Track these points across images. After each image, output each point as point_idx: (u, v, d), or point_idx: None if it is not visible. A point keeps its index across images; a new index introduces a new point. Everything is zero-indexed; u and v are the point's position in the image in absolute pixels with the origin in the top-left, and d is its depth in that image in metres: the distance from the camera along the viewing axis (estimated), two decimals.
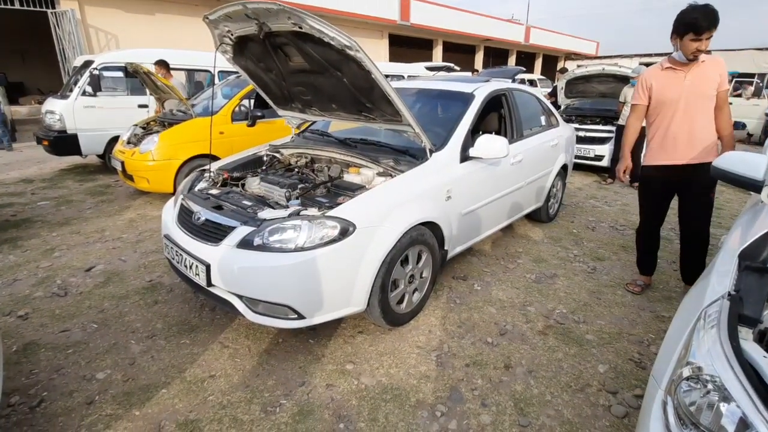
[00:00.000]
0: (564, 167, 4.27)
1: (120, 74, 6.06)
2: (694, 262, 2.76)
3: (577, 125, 6.35)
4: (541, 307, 2.74)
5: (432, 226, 2.48)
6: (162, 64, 5.64)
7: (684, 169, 2.56)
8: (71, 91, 5.79)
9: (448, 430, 1.77)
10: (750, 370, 0.90)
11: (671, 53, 2.53)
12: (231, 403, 1.89)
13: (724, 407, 0.93)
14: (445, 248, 2.68)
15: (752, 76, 13.73)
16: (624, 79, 6.28)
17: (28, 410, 1.83)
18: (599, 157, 6.29)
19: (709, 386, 0.97)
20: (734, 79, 13.08)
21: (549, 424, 1.81)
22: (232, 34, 2.42)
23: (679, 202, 2.75)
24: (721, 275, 1.24)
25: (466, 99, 3.03)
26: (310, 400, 1.91)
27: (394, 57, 16.34)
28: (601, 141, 6.31)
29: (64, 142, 5.63)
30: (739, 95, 11.36)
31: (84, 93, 5.70)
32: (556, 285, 3.05)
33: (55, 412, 1.82)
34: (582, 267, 3.35)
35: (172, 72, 5.82)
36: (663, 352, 1.17)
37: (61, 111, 5.60)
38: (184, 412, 1.83)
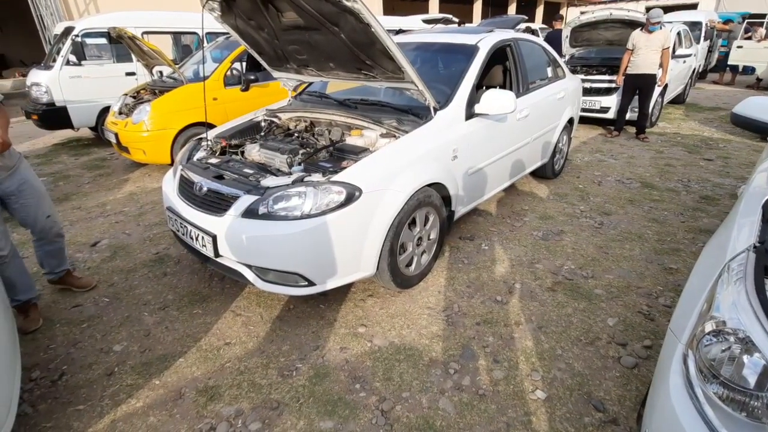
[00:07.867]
0: (570, 121, 4.15)
1: (104, 40, 5.77)
2: None
3: (582, 76, 6.11)
4: (549, 264, 2.74)
5: (439, 187, 2.43)
6: None
7: None
8: (54, 61, 5.55)
9: (462, 386, 1.81)
10: None
11: None
12: (248, 368, 1.93)
13: (746, 359, 0.93)
14: (452, 209, 2.64)
15: (764, 17, 13.03)
16: (633, 25, 5.96)
17: (50, 383, 1.87)
18: (605, 109, 6.10)
19: (731, 339, 0.96)
20: (745, 21, 12.44)
21: (560, 376, 1.85)
22: None
23: None
24: (743, 227, 1.20)
25: (470, 52, 2.88)
26: (325, 363, 1.95)
27: (388, 11, 15.55)
28: (608, 92, 6.09)
29: (53, 116, 5.45)
30: (749, 38, 10.79)
31: (68, 62, 5.45)
32: (564, 241, 3.04)
33: (77, 384, 1.86)
34: (589, 222, 3.33)
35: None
36: (682, 305, 1.16)
37: (46, 83, 5.37)
38: (203, 379, 1.87)
